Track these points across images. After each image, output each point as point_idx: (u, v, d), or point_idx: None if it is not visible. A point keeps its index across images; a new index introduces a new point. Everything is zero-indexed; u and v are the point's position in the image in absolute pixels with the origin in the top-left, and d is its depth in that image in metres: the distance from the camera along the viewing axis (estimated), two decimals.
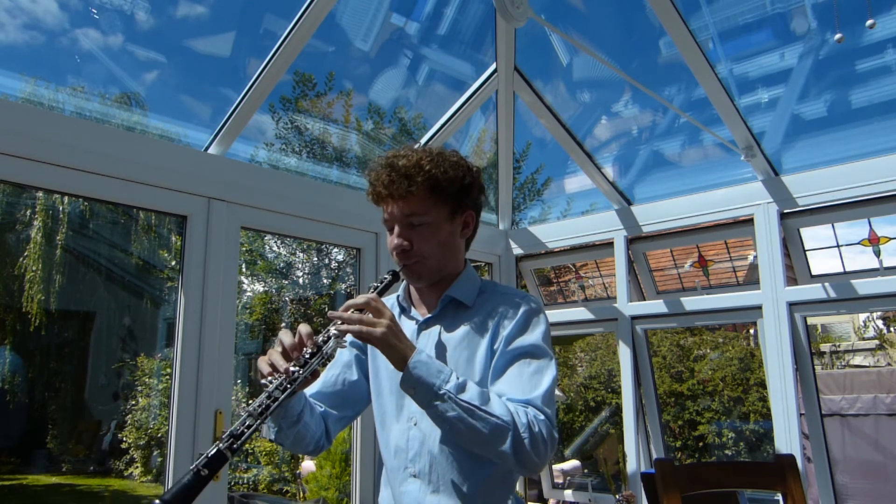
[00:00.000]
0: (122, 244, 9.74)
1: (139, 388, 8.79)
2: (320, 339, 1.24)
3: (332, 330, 1.24)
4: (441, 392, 1.18)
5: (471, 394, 1.20)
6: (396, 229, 1.37)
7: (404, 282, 1.50)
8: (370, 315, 1.24)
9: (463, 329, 1.37)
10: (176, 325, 2.51)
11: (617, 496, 3.41)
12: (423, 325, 1.43)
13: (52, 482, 8.84)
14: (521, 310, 1.36)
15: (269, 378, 1.21)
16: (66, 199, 8.56)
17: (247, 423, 1.13)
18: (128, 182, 2.41)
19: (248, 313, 9.45)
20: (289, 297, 10.17)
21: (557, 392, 3.37)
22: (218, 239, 2.63)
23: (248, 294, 9.90)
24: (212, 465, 1.06)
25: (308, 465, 6.07)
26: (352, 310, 1.25)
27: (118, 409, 9.30)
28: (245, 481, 7.71)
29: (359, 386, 1.52)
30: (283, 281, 10.30)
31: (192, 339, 2.51)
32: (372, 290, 1.34)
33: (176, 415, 2.44)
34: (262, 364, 1.24)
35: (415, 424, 1.35)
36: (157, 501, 1.00)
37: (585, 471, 6.18)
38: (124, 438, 8.68)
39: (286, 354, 1.23)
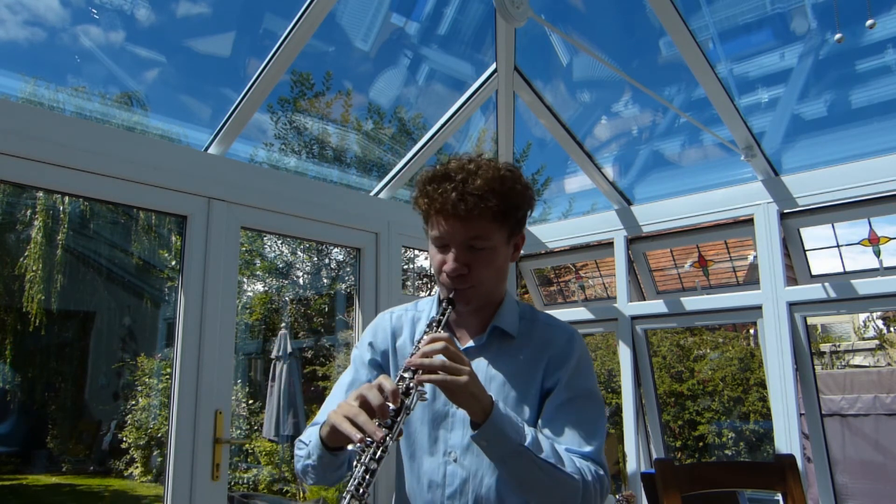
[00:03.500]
0: (122, 244, 9.74)
1: (139, 388, 8.79)
2: (401, 388, 1.12)
3: (409, 379, 1.13)
4: (519, 450, 1.13)
5: (546, 451, 1.15)
6: (453, 251, 1.24)
7: (435, 298, 1.41)
8: (449, 361, 1.12)
9: (513, 365, 1.31)
10: (176, 325, 2.52)
11: (617, 496, 3.41)
12: (467, 356, 1.27)
13: (52, 482, 8.84)
14: (574, 348, 1.31)
15: (360, 445, 1.07)
16: (66, 199, 8.56)
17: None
18: (128, 182, 2.42)
19: (248, 313, 9.45)
20: (289, 297, 10.17)
21: None
22: (218, 239, 2.63)
23: (249, 294, 9.90)
24: None
25: None
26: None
27: (118, 409, 9.30)
28: (245, 481, 7.70)
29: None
30: (284, 281, 10.30)
31: (192, 339, 2.51)
32: (436, 327, 1.24)
33: (176, 415, 2.44)
34: (349, 428, 1.07)
35: (454, 461, 1.28)
36: None
37: None
38: (124, 438, 8.68)
39: (371, 412, 1.09)
